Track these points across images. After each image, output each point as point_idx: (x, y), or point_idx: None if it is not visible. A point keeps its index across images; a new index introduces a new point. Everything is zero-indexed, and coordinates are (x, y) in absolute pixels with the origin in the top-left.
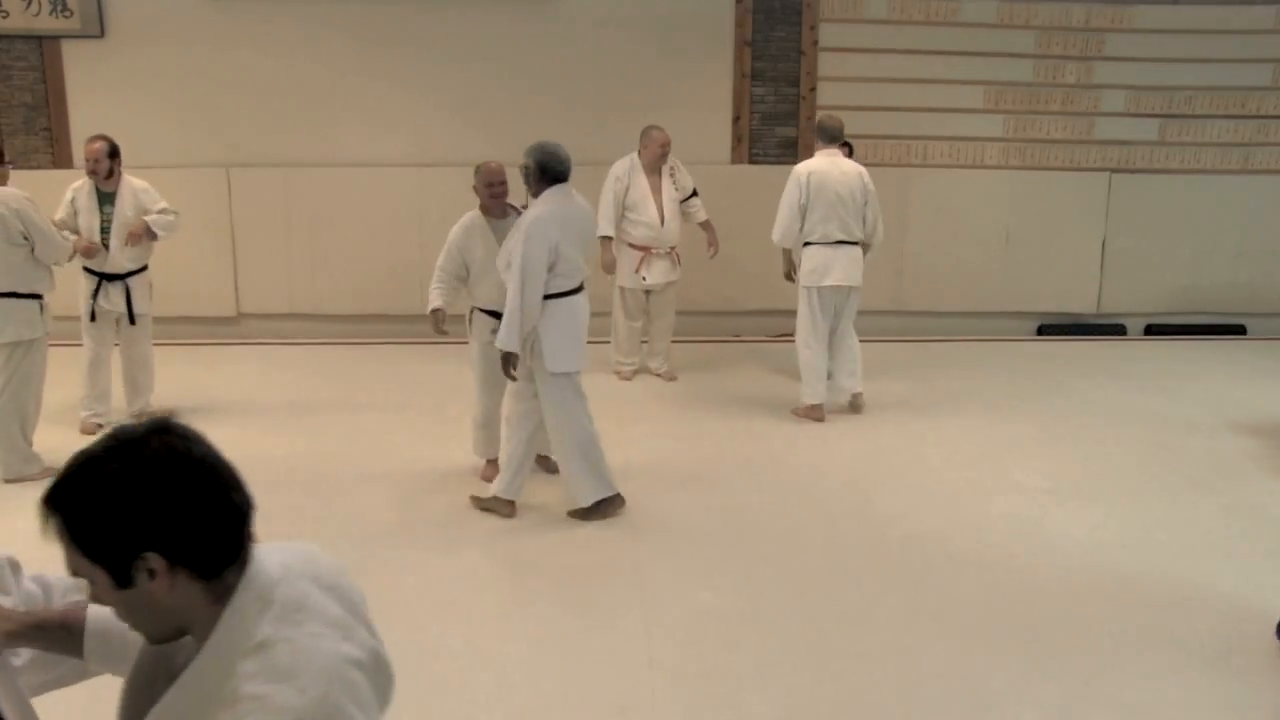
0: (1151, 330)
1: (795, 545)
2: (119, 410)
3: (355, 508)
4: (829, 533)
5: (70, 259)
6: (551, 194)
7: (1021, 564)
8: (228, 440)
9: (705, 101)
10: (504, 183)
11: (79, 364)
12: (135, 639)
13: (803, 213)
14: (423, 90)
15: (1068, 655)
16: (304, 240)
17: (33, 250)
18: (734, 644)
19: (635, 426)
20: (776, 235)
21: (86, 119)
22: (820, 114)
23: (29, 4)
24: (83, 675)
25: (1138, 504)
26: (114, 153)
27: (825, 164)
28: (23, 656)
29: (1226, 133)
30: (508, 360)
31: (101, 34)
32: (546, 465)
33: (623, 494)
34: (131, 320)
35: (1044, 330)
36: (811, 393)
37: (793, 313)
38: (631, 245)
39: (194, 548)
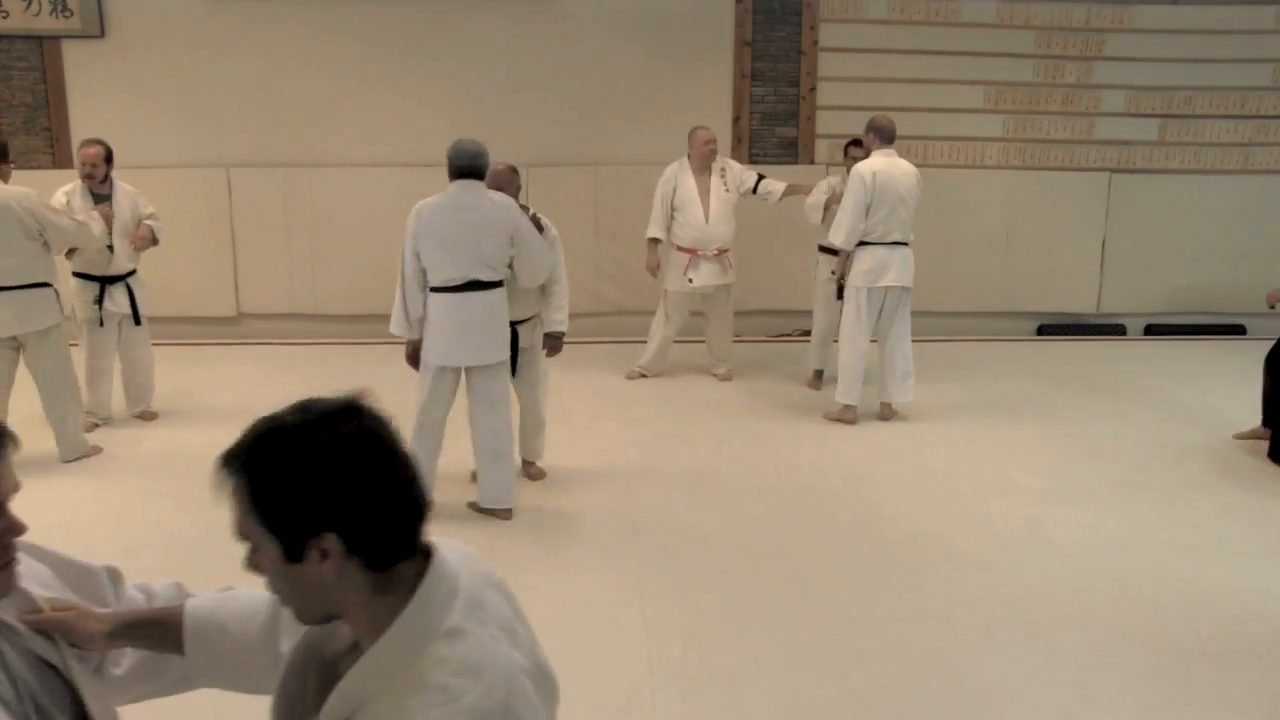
0: (1151, 330)
1: (795, 545)
2: (117, 411)
3: None
4: (829, 533)
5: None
6: (451, 189)
7: (1021, 564)
8: (228, 440)
9: (705, 102)
10: (499, 189)
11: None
12: (240, 643)
13: (866, 213)
14: (423, 91)
15: (1068, 655)
16: (304, 240)
17: (45, 244)
18: (734, 644)
19: (635, 427)
20: (841, 238)
21: (86, 119)
22: (874, 115)
23: (29, 4)
24: (184, 686)
25: (1137, 504)
26: (109, 157)
27: (887, 164)
28: (123, 666)
29: (1226, 133)
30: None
31: (101, 34)
32: (528, 471)
33: (435, 504)
34: (137, 320)
35: (1044, 330)
36: (847, 393)
37: (793, 313)
38: (679, 248)
39: (373, 536)
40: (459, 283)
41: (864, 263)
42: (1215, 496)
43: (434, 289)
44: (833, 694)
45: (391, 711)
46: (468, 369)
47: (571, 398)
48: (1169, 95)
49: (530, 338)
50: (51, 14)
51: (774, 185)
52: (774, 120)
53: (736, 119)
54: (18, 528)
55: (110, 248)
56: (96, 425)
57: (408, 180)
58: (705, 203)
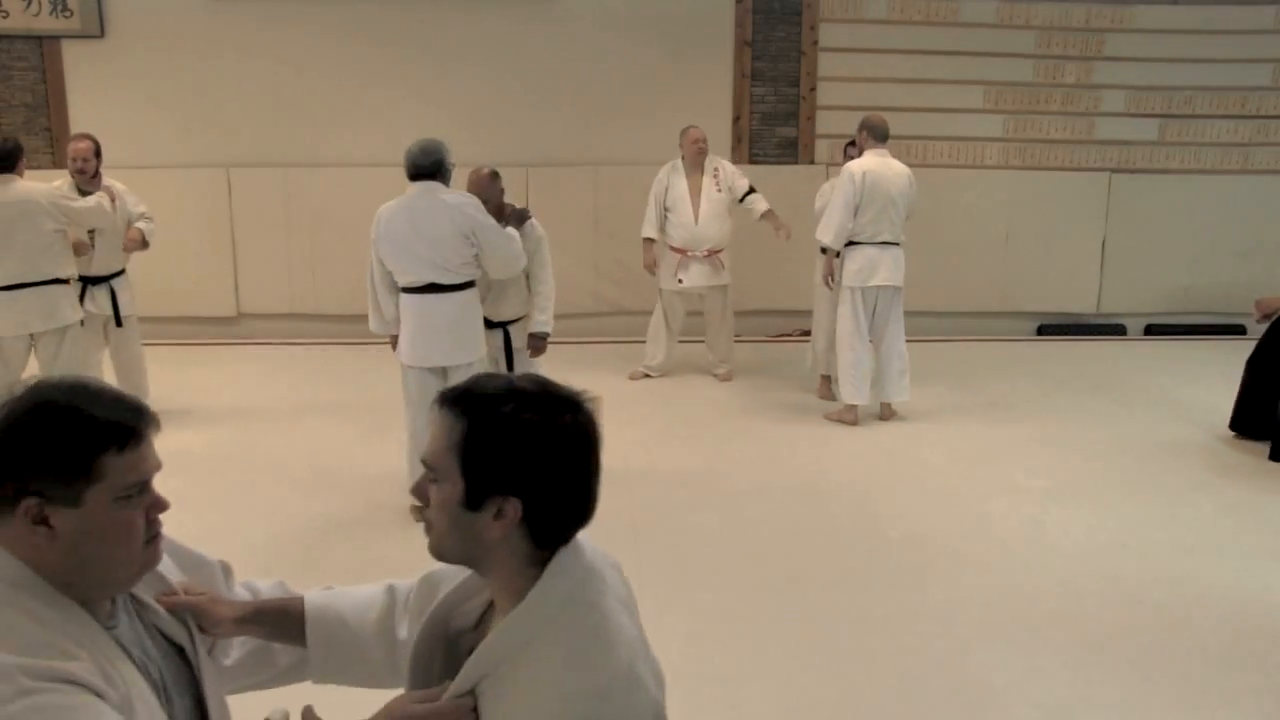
0: (1151, 330)
1: (795, 545)
2: None
3: (355, 508)
4: (829, 533)
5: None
6: (408, 191)
7: (1021, 564)
8: (228, 440)
9: (705, 102)
10: (479, 196)
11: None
12: (359, 633)
13: (855, 213)
14: (423, 91)
15: (1068, 655)
16: (304, 240)
17: (65, 239)
18: (734, 644)
19: (635, 427)
20: (829, 237)
21: (86, 119)
22: (867, 114)
23: (29, 4)
24: (287, 678)
25: (1138, 504)
26: (98, 152)
27: (878, 164)
28: (231, 657)
29: (1226, 133)
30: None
31: (101, 34)
32: None
33: None
34: (119, 322)
35: (1044, 330)
36: (850, 393)
37: (794, 313)
38: (671, 248)
39: (549, 518)
40: (418, 285)
41: (854, 263)
42: (1215, 496)
43: (401, 289)
44: (833, 694)
45: (522, 676)
46: (449, 370)
47: None
48: (1169, 95)
49: (522, 337)
50: (51, 14)
51: (759, 203)
52: (774, 120)
53: (736, 119)
54: (162, 503)
55: (91, 244)
56: None
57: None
58: (696, 203)
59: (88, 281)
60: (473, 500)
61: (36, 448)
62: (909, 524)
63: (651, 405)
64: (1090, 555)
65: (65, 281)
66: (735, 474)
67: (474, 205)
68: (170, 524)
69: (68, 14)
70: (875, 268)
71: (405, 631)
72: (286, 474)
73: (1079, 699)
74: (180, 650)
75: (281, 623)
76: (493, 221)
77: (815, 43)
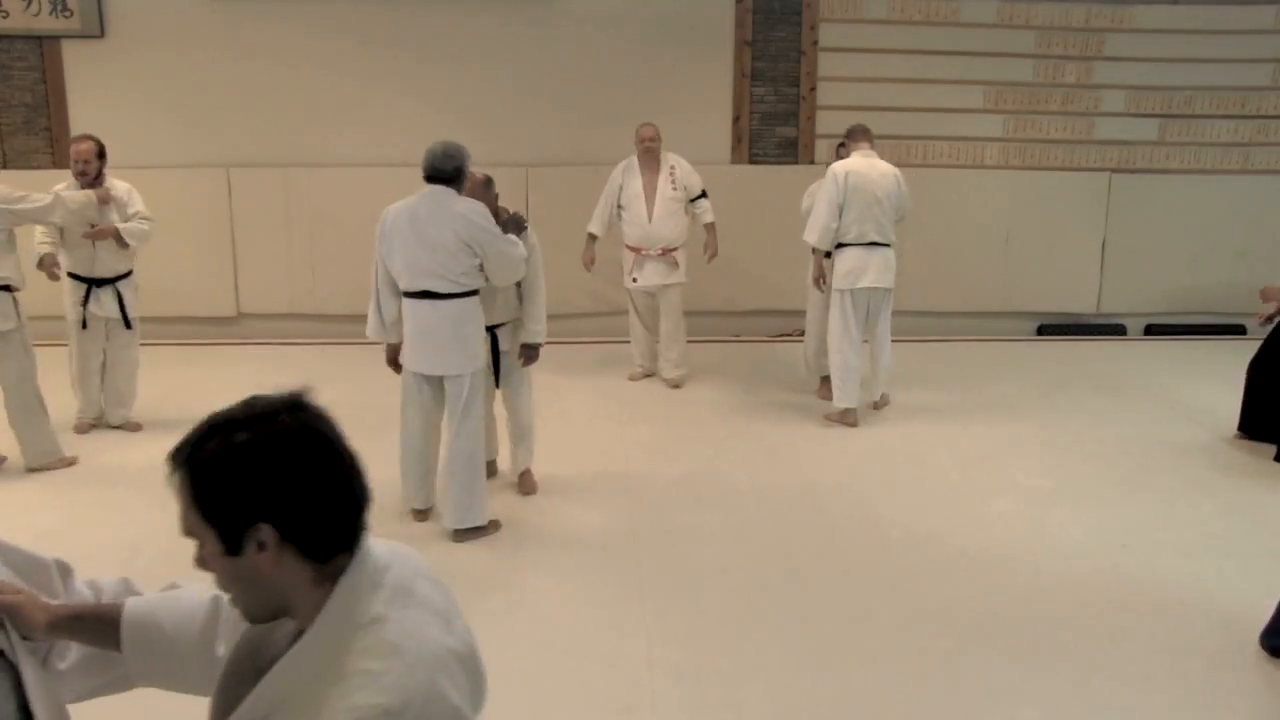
0: (1151, 330)
1: (795, 545)
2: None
3: None
4: (829, 533)
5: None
6: (420, 193)
7: (1021, 564)
8: None
9: (705, 101)
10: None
11: (60, 366)
12: (177, 642)
13: (839, 213)
14: (423, 91)
15: (1068, 655)
16: (304, 240)
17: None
18: (734, 644)
19: (635, 427)
20: (814, 237)
21: (86, 119)
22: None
23: (29, 4)
24: (128, 684)
25: (1137, 504)
26: (102, 153)
27: (863, 164)
28: (68, 660)
29: (1226, 133)
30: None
31: (101, 34)
32: (521, 484)
33: (434, 511)
34: (127, 324)
35: (1044, 330)
36: (844, 396)
37: (793, 313)
38: (627, 246)
39: (308, 527)
40: (414, 290)
41: (843, 264)
42: (1215, 496)
43: (403, 294)
44: (833, 694)
45: (310, 706)
46: (445, 380)
47: (570, 398)
48: (1169, 95)
49: (509, 341)
50: (51, 14)
51: (705, 214)
52: (774, 120)
53: (736, 119)
54: None
55: (93, 244)
56: (92, 426)
57: (408, 180)
58: (650, 201)
59: (93, 283)
60: (231, 545)
61: None
62: (909, 524)
63: (651, 405)
64: (1090, 555)
65: (8, 290)
66: (735, 474)
67: (482, 214)
68: (168, 525)
69: (68, 14)
70: (864, 269)
71: (223, 648)
72: None
73: (1079, 699)
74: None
75: (98, 629)
76: (498, 230)
77: (815, 43)
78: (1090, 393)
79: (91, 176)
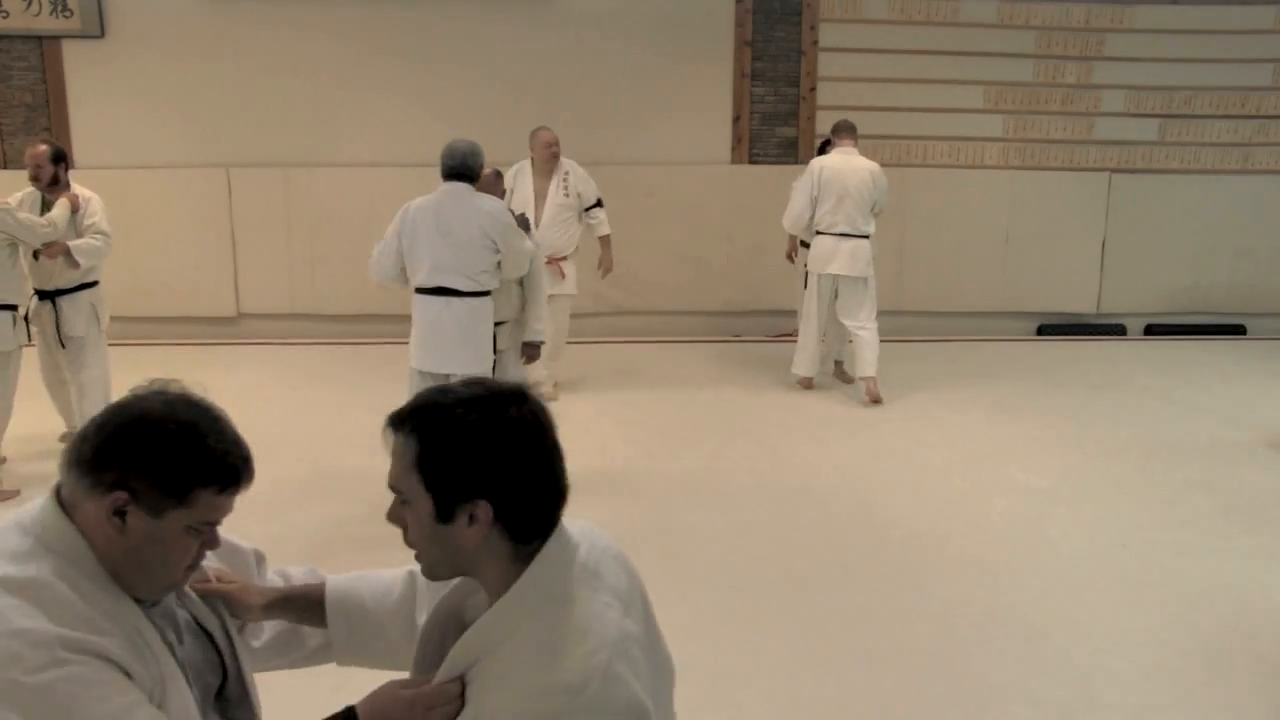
0: (1151, 330)
1: (795, 545)
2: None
3: (355, 508)
4: (829, 533)
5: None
6: (439, 190)
7: (1021, 564)
8: None
9: (705, 102)
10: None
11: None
12: (377, 614)
13: (814, 204)
14: (422, 91)
15: (1067, 655)
16: (304, 240)
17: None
18: (734, 644)
19: (634, 427)
20: (787, 221)
21: (86, 119)
22: (838, 119)
23: (29, 4)
24: (318, 658)
25: (1138, 504)
26: (58, 158)
27: (839, 160)
28: (261, 639)
29: (1226, 133)
30: None
31: (101, 34)
32: None
33: None
34: (61, 344)
35: (1044, 330)
36: (797, 363)
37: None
38: None
39: (521, 511)
40: (430, 287)
41: (815, 250)
42: (1215, 496)
43: (415, 290)
44: (833, 694)
45: (500, 669)
46: (454, 378)
47: (570, 398)
48: (1169, 95)
49: (507, 340)
50: (51, 14)
51: (600, 226)
52: (774, 120)
53: (736, 119)
54: (216, 542)
55: (35, 257)
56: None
57: (408, 180)
58: (539, 207)
59: (40, 295)
60: (443, 513)
61: (153, 453)
62: (909, 524)
63: (650, 405)
64: (1090, 555)
65: (3, 308)
66: (735, 474)
67: (504, 209)
68: None
69: (68, 14)
70: (832, 256)
71: (422, 617)
72: (286, 475)
73: (1079, 699)
74: (209, 635)
75: (306, 607)
76: (514, 222)
77: (815, 43)
78: (1090, 392)
79: (44, 182)
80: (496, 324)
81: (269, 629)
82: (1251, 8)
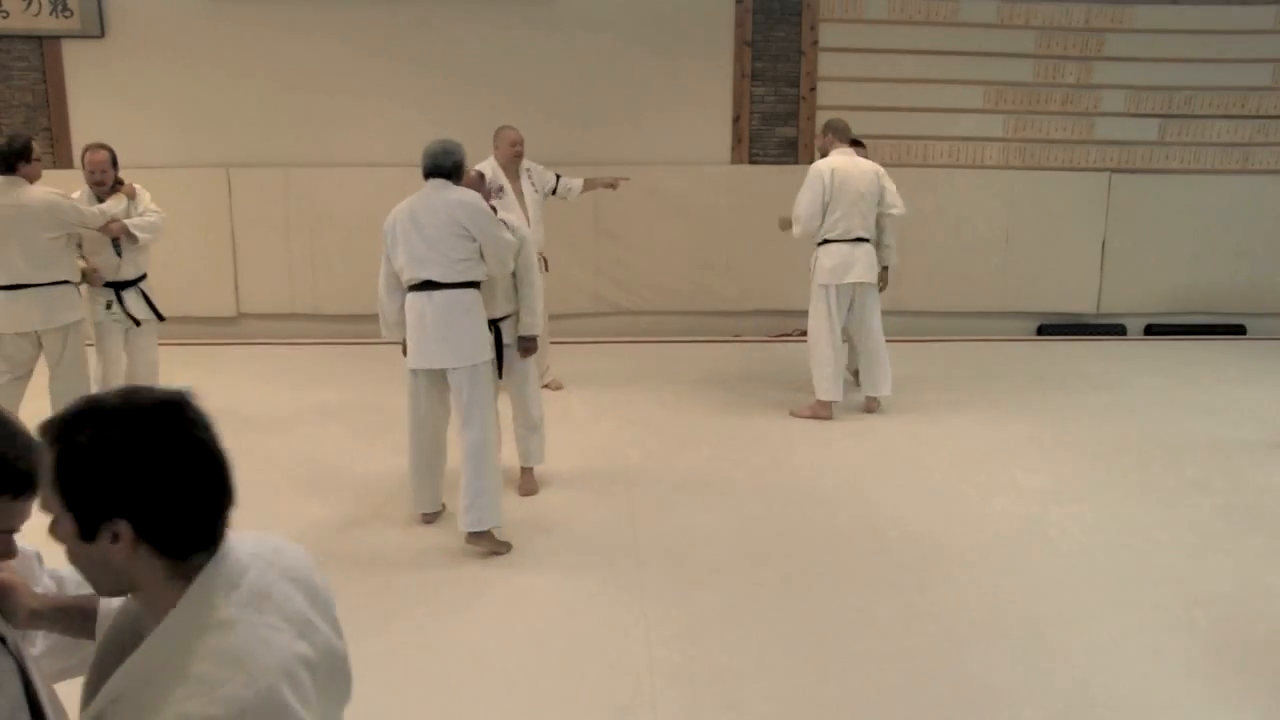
0: (1151, 330)
1: (795, 545)
2: None
3: (355, 510)
4: (829, 533)
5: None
6: (423, 188)
7: (1021, 564)
8: (226, 441)
9: (705, 102)
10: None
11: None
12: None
13: (824, 209)
14: (422, 91)
15: (1067, 655)
16: (304, 240)
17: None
18: (734, 644)
19: (635, 427)
20: (798, 231)
21: (86, 119)
22: (831, 118)
23: (29, 4)
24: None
25: (1137, 504)
26: (115, 160)
27: (846, 162)
28: (39, 646)
29: (1226, 133)
30: None
31: (101, 34)
32: (521, 483)
33: (446, 510)
34: (160, 317)
35: (1044, 330)
36: (825, 389)
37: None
38: None
39: (165, 528)
40: (415, 282)
41: (829, 260)
42: (1215, 496)
43: (406, 288)
44: (833, 694)
45: (154, 701)
46: (448, 373)
47: (571, 398)
48: (1169, 95)
49: (512, 334)
50: (51, 14)
51: (572, 181)
52: (774, 120)
53: (736, 119)
54: (12, 552)
55: (118, 253)
56: None
57: (408, 180)
58: (523, 206)
59: (119, 287)
60: (86, 531)
61: None
62: (909, 524)
63: (651, 405)
64: (1090, 555)
65: (67, 283)
66: (735, 474)
67: (476, 199)
68: None
69: (68, 14)
70: (850, 265)
71: None
72: (285, 475)
73: (1079, 699)
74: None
75: (76, 620)
76: (490, 212)
77: (815, 43)
78: (1090, 393)
79: (108, 186)
80: (501, 319)
81: (43, 636)
82: (1251, 8)
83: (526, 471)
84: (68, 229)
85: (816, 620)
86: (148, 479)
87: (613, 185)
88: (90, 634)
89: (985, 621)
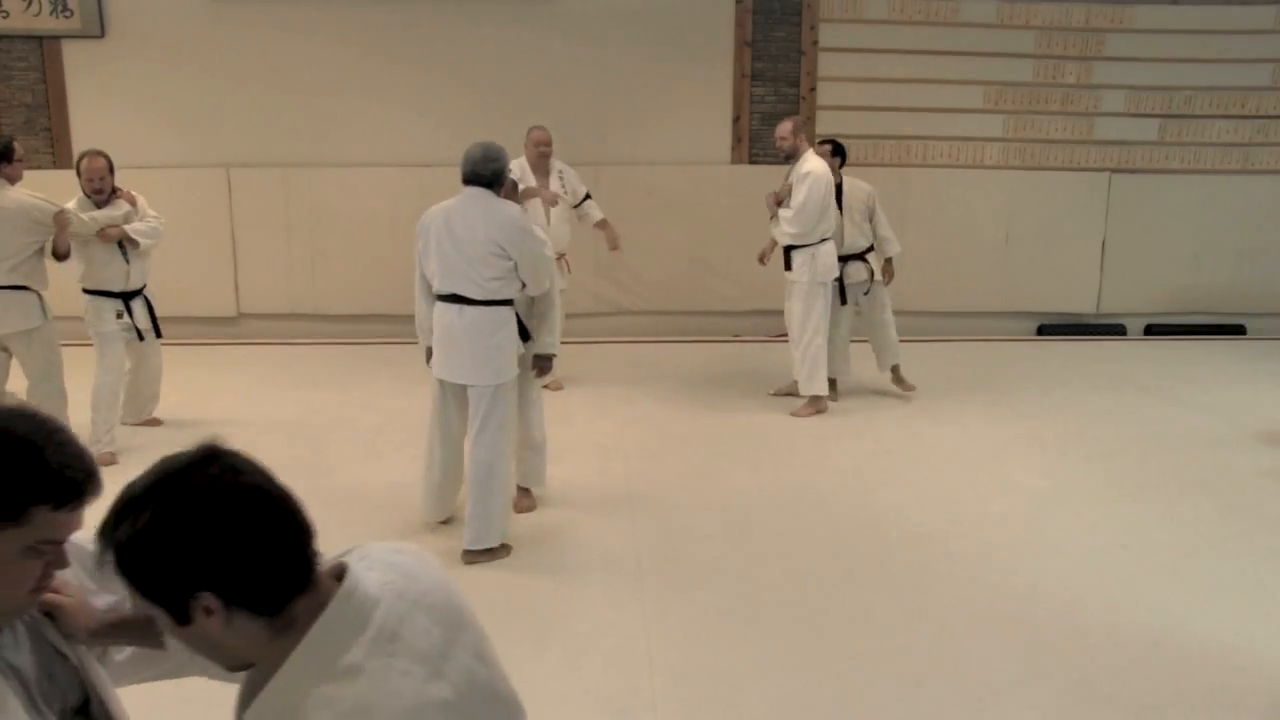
0: (1151, 330)
1: (795, 545)
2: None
3: (354, 510)
4: (829, 533)
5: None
6: (458, 196)
7: (1021, 564)
8: (226, 441)
9: (705, 102)
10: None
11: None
12: None
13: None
14: (422, 91)
15: (1067, 655)
16: (304, 240)
17: (40, 250)
18: (734, 644)
19: (635, 427)
20: (800, 229)
21: (86, 119)
22: (827, 123)
23: (29, 4)
24: (184, 672)
25: (1137, 504)
26: (112, 168)
27: (830, 171)
28: (124, 653)
29: (1226, 133)
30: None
31: (101, 34)
32: (518, 501)
33: (454, 519)
34: (158, 333)
35: (1044, 330)
36: (819, 386)
37: None
38: None
39: (248, 585)
40: (445, 294)
41: (825, 258)
42: (1216, 497)
43: (435, 297)
44: (833, 694)
45: None
46: (469, 389)
47: (571, 398)
48: (1169, 95)
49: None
50: (51, 14)
51: (594, 210)
52: (774, 120)
53: (736, 119)
54: (63, 562)
55: (126, 260)
56: (114, 456)
57: (408, 180)
58: (546, 206)
59: (126, 297)
60: (180, 616)
61: None
62: (909, 524)
63: (651, 406)
64: (1090, 555)
65: (29, 290)
66: (735, 473)
67: (519, 216)
68: None
69: (68, 14)
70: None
71: None
72: (285, 475)
73: (1078, 699)
74: (61, 652)
75: (141, 632)
76: (531, 230)
77: (815, 43)
78: (1090, 393)
79: (106, 193)
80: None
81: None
82: (1251, 8)
83: (524, 491)
84: (43, 233)
85: (816, 620)
86: (205, 541)
87: (615, 246)
88: (159, 643)
89: (986, 621)
